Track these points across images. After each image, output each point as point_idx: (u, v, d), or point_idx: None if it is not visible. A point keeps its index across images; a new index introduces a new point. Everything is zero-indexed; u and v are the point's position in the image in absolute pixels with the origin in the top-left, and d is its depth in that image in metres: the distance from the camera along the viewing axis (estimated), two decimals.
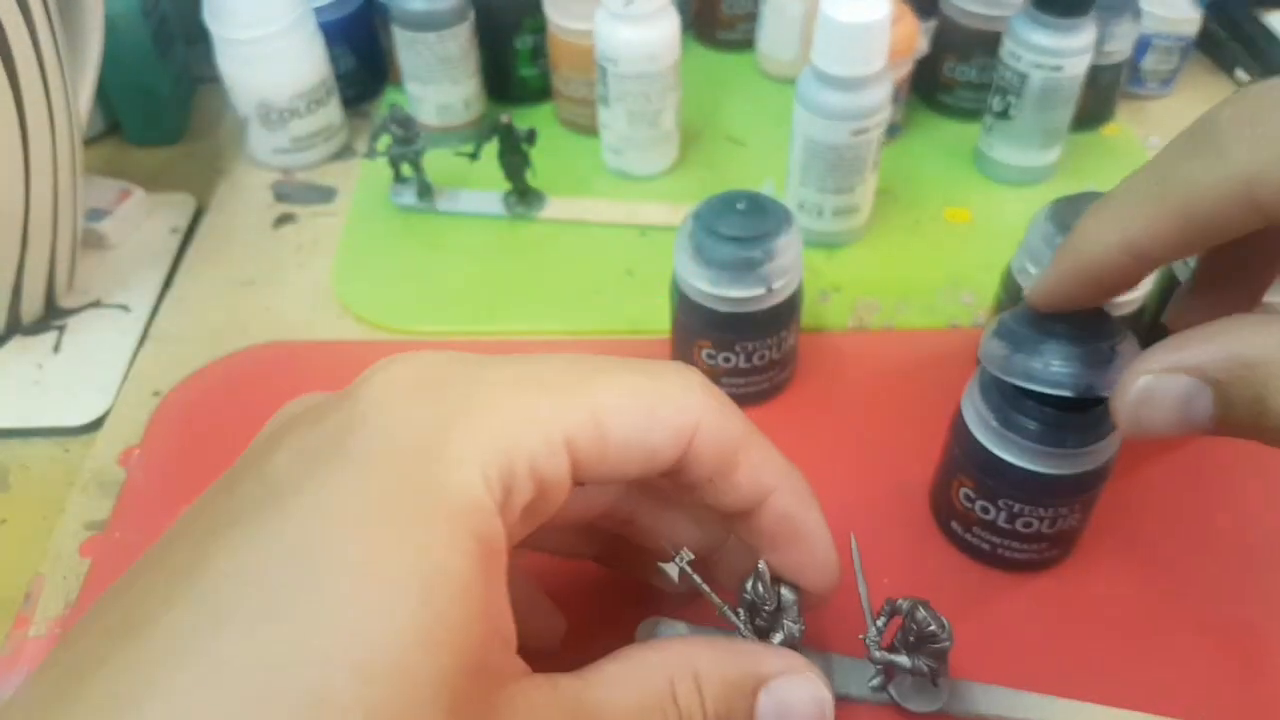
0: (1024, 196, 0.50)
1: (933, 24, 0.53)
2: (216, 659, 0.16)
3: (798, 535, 0.24)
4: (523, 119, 0.48)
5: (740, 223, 0.35)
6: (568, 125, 0.56)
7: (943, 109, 0.56)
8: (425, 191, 0.50)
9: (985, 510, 0.32)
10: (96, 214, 0.48)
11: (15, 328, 0.44)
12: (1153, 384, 0.23)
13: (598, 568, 0.31)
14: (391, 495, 0.18)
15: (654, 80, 0.48)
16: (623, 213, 0.50)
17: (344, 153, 0.55)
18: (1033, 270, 0.36)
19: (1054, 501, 0.31)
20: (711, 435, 0.22)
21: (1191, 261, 0.34)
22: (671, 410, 0.22)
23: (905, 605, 0.28)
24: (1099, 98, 0.53)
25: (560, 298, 0.46)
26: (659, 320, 0.41)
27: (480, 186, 0.50)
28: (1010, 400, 0.30)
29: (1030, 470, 0.30)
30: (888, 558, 0.34)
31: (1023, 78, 0.47)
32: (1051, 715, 0.30)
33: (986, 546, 0.33)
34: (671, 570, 0.25)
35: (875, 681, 0.29)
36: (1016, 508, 0.31)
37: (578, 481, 0.21)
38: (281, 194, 0.52)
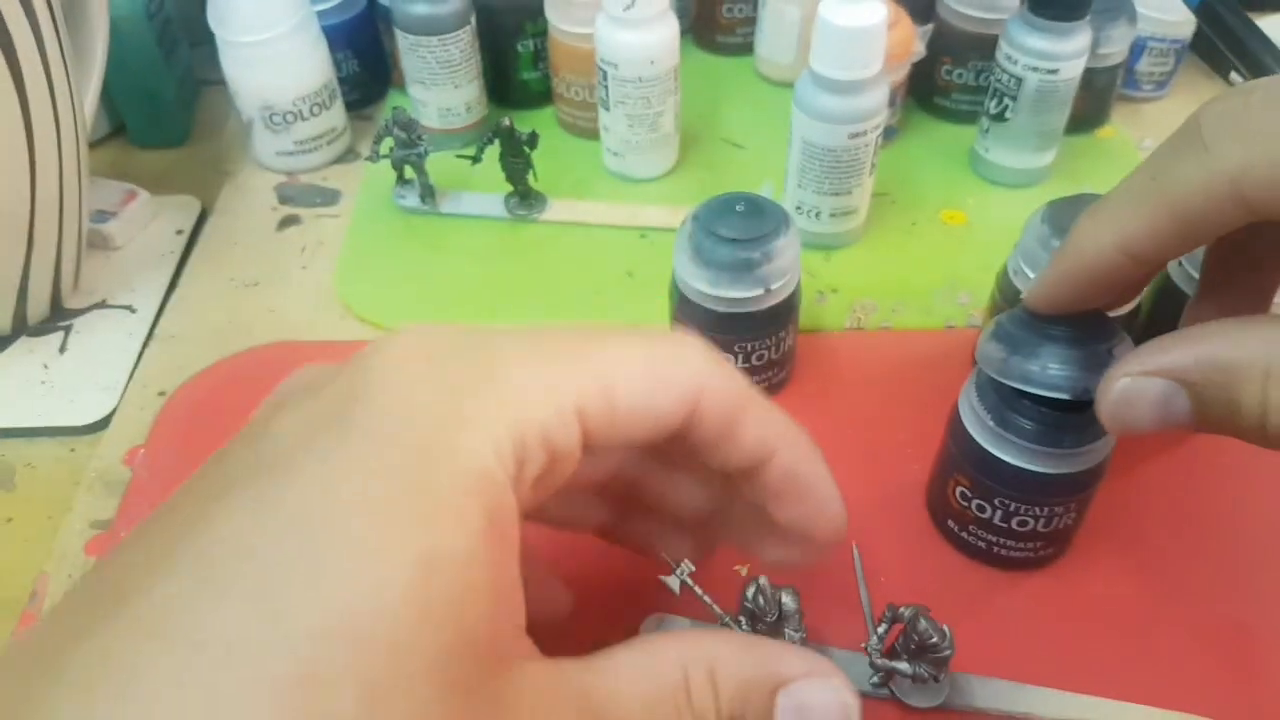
0: (1020, 199, 0.51)
1: (929, 28, 0.53)
2: (204, 633, 0.15)
3: (805, 489, 0.24)
4: (524, 122, 0.48)
5: (739, 224, 0.36)
6: (568, 128, 0.56)
7: (939, 112, 0.56)
8: (428, 194, 0.50)
9: (981, 509, 0.32)
10: (102, 216, 0.48)
11: (21, 328, 0.44)
12: (1131, 386, 0.24)
13: (600, 557, 0.30)
14: (397, 466, 0.17)
15: (654, 84, 0.49)
16: (623, 215, 0.50)
17: (347, 155, 0.55)
18: (1028, 272, 0.36)
19: (1049, 500, 0.31)
20: (716, 396, 0.22)
21: (1196, 272, 0.35)
22: (677, 374, 0.21)
23: (907, 614, 0.28)
24: (1094, 100, 0.54)
25: (561, 299, 0.46)
26: (659, 321, 0.41)
27: (482, 189, 0.51)
28: (1007, 400, 0.30)
29: (1026, 469, 0.30)
30: (884, 556, 0.34)
31: (1018, 81, 0.48)
32: (1052, 708, 0.30)
33: (982, 545, 0.33)
34: (673, 583, 0.25)
35: (876, 679, 0.30)
36: (1012, 506, 0.32)
37: (587, 448, 0.21)
38: (285, 196, 0.53)
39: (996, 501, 0.32)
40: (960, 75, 0.54)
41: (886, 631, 0.28)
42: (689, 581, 0.25)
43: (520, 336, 0.21)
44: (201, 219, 0.51)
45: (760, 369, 0.39)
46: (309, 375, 0.21)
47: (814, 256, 0.48)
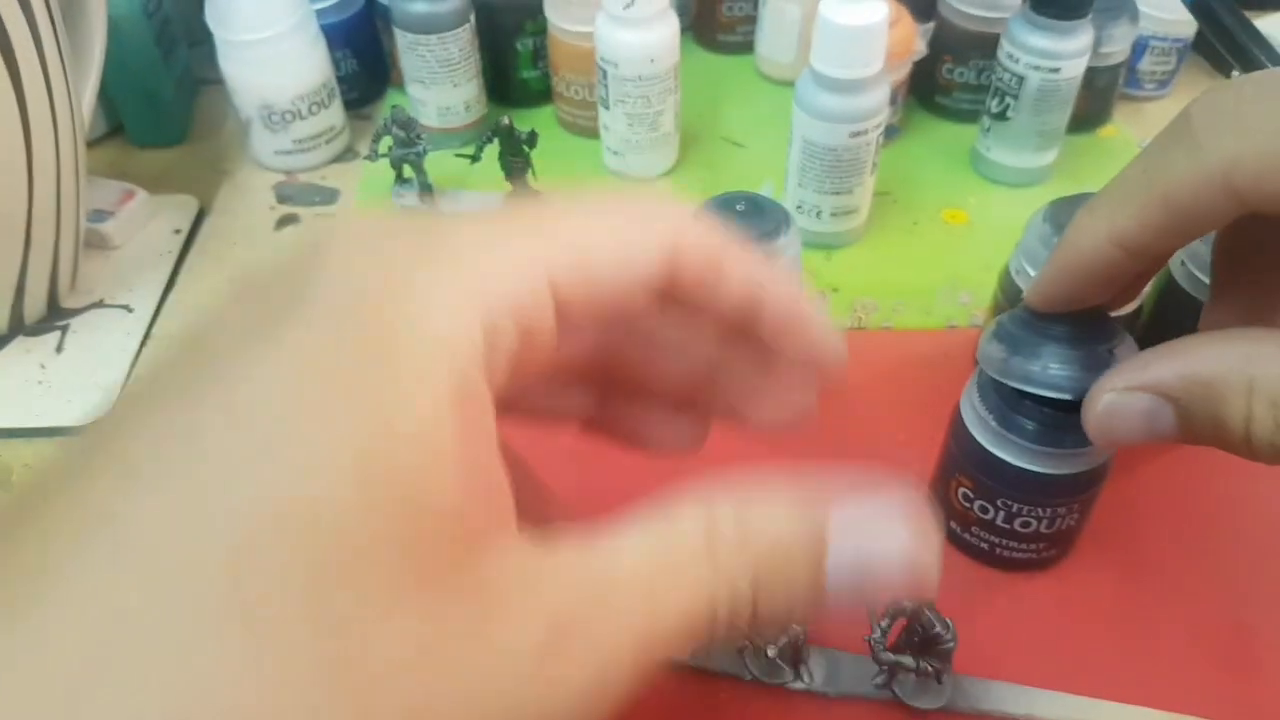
0: (1021, 198, 0.51)
1: (930, 26, 0.53)
2: (136, 521, 0.14)
3: (806, 316, 0.23)
4: (523, 121, 0.48)
5: (739, 224, 0.36)
6: (568, 127, 0.56)
7: (940, 111, 0.56)
8: (427, 193, 0.50)
9: (984, 510, 0.32)
10: (99, 215, 0.48)
11: (18, 328, 0.44)
12: (1117, 401, 0.24)
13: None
14: (351, 340, 0.16)
15: (654, 82, 0.48)
16: None
17: (346, 154, 0.55)
18: (1030, 271, 0.36)
19: (1052, 501, 0.31)
20: (695, 240, 0.21)
21: (1199, 272, 0.35)
22: (651, 227, 0.20)
23: (910, 607, 0.28)
24: (1096, 99, 0.53)
25: None
26: None
27: (481, 188, 0.50)
28: (1009, 401, 0.30)
29: (1028, 470, 0.30)
30: None
31: (1020, 80, 0.48)
32: (1055, 710, 0.30)
33: (985, 546, 0.33)
34: None
35: (879, 679, 0.30)
36: (1015, 507, 0.31)
37: (564, 323, 0.19)
38: (284, 195, 0.53)
39: (999, 502, 0.32)
40: (962, 74, 0.54)
41: (889, 626, 0.28)
42: None
43: (476, 215, 0.19)
44: (200, 218, 0.51)
45: None
46: (260, 270, 0.19)
47: (815, 256, 0.47)
